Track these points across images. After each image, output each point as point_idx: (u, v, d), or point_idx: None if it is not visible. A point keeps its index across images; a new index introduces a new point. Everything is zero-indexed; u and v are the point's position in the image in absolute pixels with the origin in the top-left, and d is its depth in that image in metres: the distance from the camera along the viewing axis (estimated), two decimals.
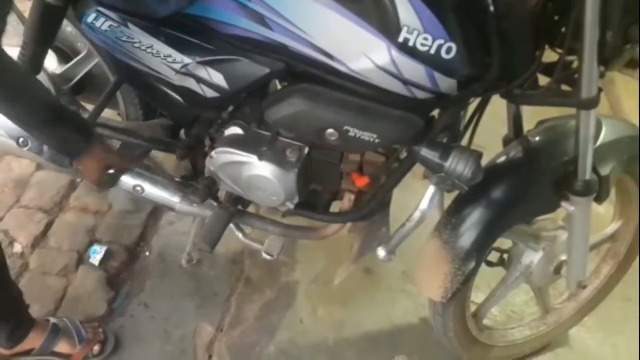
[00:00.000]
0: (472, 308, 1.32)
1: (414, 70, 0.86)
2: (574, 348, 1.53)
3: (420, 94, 0.90)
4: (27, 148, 1.32)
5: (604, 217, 1.43)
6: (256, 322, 1.48)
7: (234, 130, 1.20)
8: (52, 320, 1.38)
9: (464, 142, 1.05)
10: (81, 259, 1.58)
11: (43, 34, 1.18)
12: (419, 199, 1.05)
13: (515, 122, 1.15)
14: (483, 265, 1.20)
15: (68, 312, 1.45)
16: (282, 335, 1.46)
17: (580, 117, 0.94)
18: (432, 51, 0.84)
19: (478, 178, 0.91)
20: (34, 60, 1.23)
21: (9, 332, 1.31)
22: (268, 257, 1.22)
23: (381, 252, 1.12)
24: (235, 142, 1.17)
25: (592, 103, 0.91)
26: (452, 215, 1.11)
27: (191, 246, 1.55)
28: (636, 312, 1.58)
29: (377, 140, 0.99)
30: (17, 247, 1.60)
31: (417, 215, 1.04)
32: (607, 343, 1.54)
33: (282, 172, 1.14)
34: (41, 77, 1.33)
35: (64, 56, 1.47)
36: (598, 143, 1.08)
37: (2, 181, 1.75)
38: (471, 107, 1.05)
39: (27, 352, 1.36)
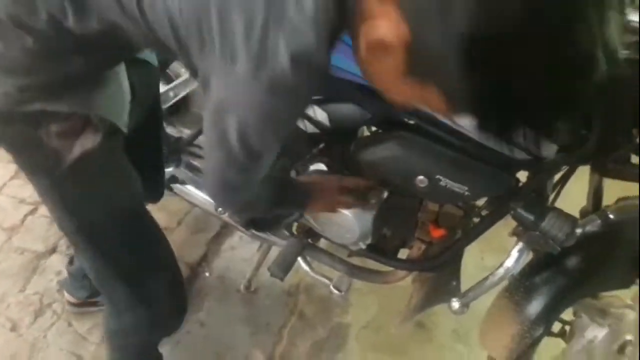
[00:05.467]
0: None
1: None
2: None
3: (520, 155, 0.95)
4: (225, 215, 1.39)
5: None
6: (306, 359, 1.49)
7: (319, 166, 1.25)
8: None
9: None
10: None
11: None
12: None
13: (596, 195, 1.17)
14: None
15: None
16: None
17: None
18: None
19: (571, 241, 0.94)
20: None
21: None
22: (336, 291, 1.26)
23: (455, 304, 1.14)
24: None
25: None
26: (526, 279, 1.12)
27: (251, 273, 1.60)
28: None
29: (467, 193, 1.03)
30: None
31: (501, 271, 1.06)
32: None
33: (361, 211, 1.19)
34: None
35: (166, 78, 1.58)
36: None
37: None
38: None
39: None
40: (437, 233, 1.22)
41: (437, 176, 1.03)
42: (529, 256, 1.05)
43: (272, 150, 0.76)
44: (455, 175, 1.02)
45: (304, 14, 0.59)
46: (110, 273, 1.05)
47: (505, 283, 1.14)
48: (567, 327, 1.32)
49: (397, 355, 1.54)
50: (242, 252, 1.71)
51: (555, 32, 0.52)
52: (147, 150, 1.22)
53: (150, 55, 1.11)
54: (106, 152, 0.91)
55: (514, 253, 1.03)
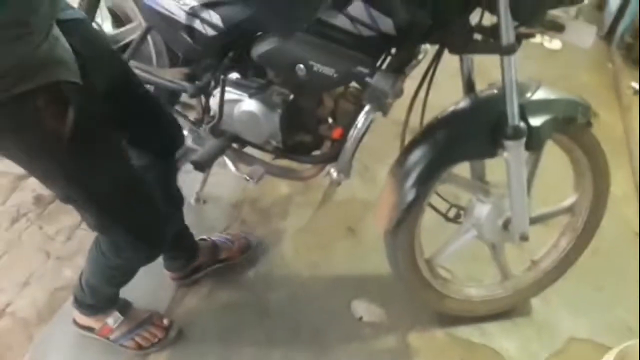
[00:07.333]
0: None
1: (356, 7, 1.08)
2: (534, 320, 1.61)
3: (365, 32, 1.12)
4: None
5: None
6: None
7: (235, 75, 1.46)
8: (210, 238, 1.64)
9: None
10: None
11: None
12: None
13: (467, 80, 1.32)
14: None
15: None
16: (262, 265, 1.67)
17: (503, 62, 1.12)
18: None
19: (398, 95, 1.10)
20: (89, 9, 1.57)
21: (186, 258, 1.57)
22: (249, 179, 1.45)
23: (334, 173, 1.32)
24: (233, 84, 1.44)
25: (510, 49, 1.09)
26: (403, 155, 1.29)
27: (200, 186, 1.81)
28: (605, 302, 1.65)
29: (335, 75, 1.20)
30: None
31: (353, 133, 1.24)
32: (568, 322, 1.60)
33: (267, 110, 1.39)
34: None
35: (118, 21, 1.81)
36: (533, 97, 1.24)
37: None
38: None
39: (198, 269, 1.61)
40: (338, 133, 1.39)
41: (311, 62, 1.21)
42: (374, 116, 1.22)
43: None
44: (323, 59, 1.20)
45: None
46: (114, 224, 1.10)
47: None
48: (462, 212, 1.48)
49: (326, 252, 1.72)
50: (196, 173, 1.91)
51: None
52: (138, 103, 1.26)
53: (75, 12, 1.09)
54: (89, 118, 0.95)
55: (361, 114, 1.20)
